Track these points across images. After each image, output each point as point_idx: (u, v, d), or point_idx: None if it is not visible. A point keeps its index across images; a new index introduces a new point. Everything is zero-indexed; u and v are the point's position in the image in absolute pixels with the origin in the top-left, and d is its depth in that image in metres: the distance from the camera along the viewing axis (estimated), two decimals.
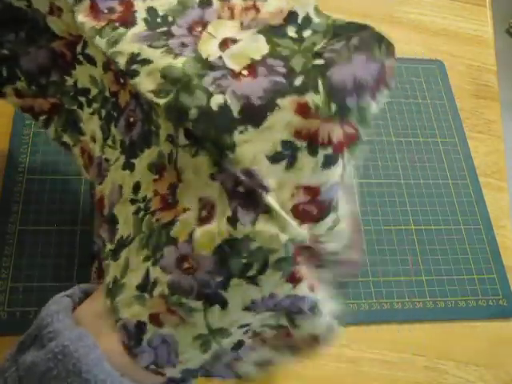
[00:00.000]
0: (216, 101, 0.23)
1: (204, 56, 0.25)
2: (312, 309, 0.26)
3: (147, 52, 0.25)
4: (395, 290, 0.45)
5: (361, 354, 0.42)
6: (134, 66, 0.25)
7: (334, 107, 0.23)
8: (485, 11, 0.66)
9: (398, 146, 0.52)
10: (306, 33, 0.25)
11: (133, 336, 0.25)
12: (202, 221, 0.24)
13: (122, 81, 0.29)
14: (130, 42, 0.26)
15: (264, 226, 0.23)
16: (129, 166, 0.29)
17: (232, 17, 0.27)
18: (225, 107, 0.23)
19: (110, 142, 0.30)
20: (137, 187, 0.28)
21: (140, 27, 0.26)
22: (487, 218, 0.50)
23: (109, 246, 0.28)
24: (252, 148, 0.23)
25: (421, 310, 0.44)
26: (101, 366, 0.24)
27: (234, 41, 0.26)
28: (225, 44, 0.25)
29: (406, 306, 0.44)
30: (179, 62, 0.25)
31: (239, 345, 0.27)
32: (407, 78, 0.57)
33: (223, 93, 0.23)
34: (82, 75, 0.31)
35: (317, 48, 0.25)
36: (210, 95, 0.23)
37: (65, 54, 0.31)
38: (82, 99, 0.32)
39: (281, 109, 0.23)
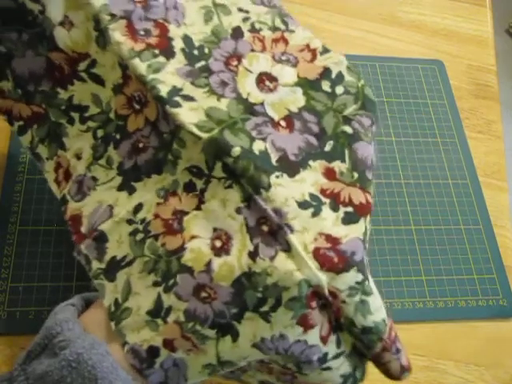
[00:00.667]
0: (258, 146, 0.26)
1: (244, 96, 0.28)
2: (321, 361, 0.26)
3: (190, 89, 0.28)
4: (395, 290, 0.45)
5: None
6: (177, 98, 0.27)
7: (356, 176, 0.27)
8: (485, 11, 0.66)
9: (398, 146, 0.52)
10: (339, 89, 0.29)
11: (144, 360, 0.26)
12: (218, 251, 0.25)
13: (137, 107, 0.29)
14: (172, 74, 0.28)
15: (282, 263, 0.24)
16: (127, 188, 0.29)
17: (263, 48, 0.30)
18: (265, 153, 0.26)
19: (102, 161, 0.30)
20: (137, 209, 0.28)
21: (180, 60, 0.28)
22: (487, 218, 0.50)
23: (97, 265, 0.28)
24: (285, 192, 0.25)
25: (421, 310, 0.44)
26: (116, 373, 0.24)
27: (270, 76, 0.29)
28: (261, 80, 0.29)
29: (405, 305, 0.44)
30: (223, 105, 0.27)
31: (245, 367, 0.28)
32: (407, 78, 0.57)
33: (264, 140, 0.26)
34: (82, 92, 0.31)
35: (348, 112, 0.29)
36: (252, 139, 0.26)
37: (63, 67, 0.30)
38: (75, 115, 0.31)
39: (312, 168, 0.27)
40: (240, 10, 0.31)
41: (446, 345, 0.44)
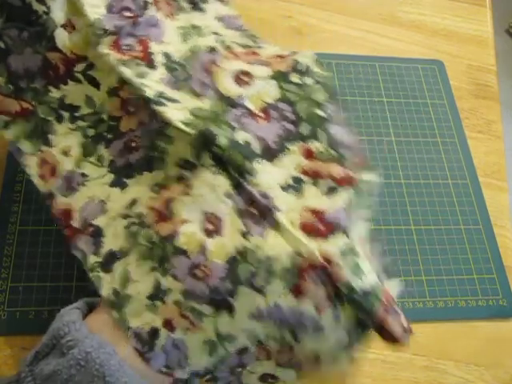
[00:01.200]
0: (240, 136, 0.28)
1: (224, 92, 0.30)
2: (316, 329, 0.27)
3: (174, 93, 0.30)
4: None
5: (361, 354, 0.42)
6: (162, 100, 0.29)
7: (333, 153, 0.29)
8: (485, 11, 0.66)
9: (398, 146, 0.52)
10: (309, 80, 0.31)
11: (146, 342, 0.27)
12: (210, 232, 0.27)
13: (131, 109, 0.31)
14: (156, 82, 0.30)
15: (273, 238, 0.26)
16: (120, 184, 0.30)
17: (237, 58, 0.33)
18: (248, 142, 0.28)
19: (93, 159, 0.31)
20: (132, 203, 0.29)
21: (161, 72, 0.31)
22: (487, 218, 0.50)
23: (94, 259, 0.29)
24: (269, 177, 0.28)
25: (421, 310, 0.44)
26: (123, 370, 0.25)
27: (245, 72, 0.31)
28: (237, 76, 0.31)
29: (405, 305, 0.44)
30: (206, 104, 0.30)
31: (244, 350, 0.28)
32: (407, 78, 0.57)
33: (245, 130, 0.29)
34: (76, 93, 0.32)
35: (319, 99, 0.31)
36: (235, 130, 0.28)
37: (58, 67, 0.31)
38: (65, 114, 0.32)
39: (292, 152, 0.29)
40: (214, 33, 0.34)
41: (446, 345, 0.44)
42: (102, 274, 0.29)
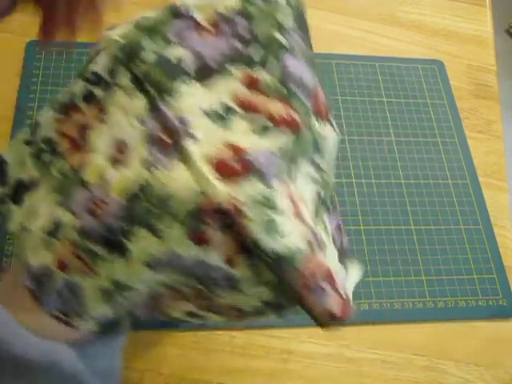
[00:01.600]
0: (175, 52, 0.24)
1: (172, 1, 0.26)
2: (232, 283, 0.24)
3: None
4: (395, 290, 0.45)
5: (361, 354, 0.42)
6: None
7: (283, 90, 0.24)
8: (485, 11, 0.66)
9: (398, 146, 0.52)
10: None
11: (38, 280, 0.24)
12: (115, 163, 0.23)
13: None
14: None
15: (179, 173, 0.22)
16: None
17: None
18: (181, 60, 0.24)
19: None
20: (35, 128, 0.26)
21: None
22: (487, 218, 0.50)
23: (1, 190, 0.27)
24: (192, 100, 0.23)
25: (421, 310, 0.44)
26: (20, 338, 0.24)
27: None
28: None
29: (405, 306, 0.44)
30: (153, 14, 0.25)
31: (157, 294, 0.26)
32: (407, 77, 0.57)
33: (183, 46, 0.24)
34: None
35: (285, 23, 0.26)
36: (170, 45, 0.24)
37: None
38: None
39: (231, 76, 0.24)
40: None
41: (446, 345, 0.44)
42: (12, 207, 0.26)
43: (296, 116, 0.24)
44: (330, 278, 0.24)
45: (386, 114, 0.54)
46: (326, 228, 0.26)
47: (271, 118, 0.24)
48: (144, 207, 0.22)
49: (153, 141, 0.23)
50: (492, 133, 0.56)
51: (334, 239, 0.27)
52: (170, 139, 0.23)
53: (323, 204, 0.26)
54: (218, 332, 0.41)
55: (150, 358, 0.39)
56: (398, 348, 0.43)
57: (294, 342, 0.42)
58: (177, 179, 0.22)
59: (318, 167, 0.26)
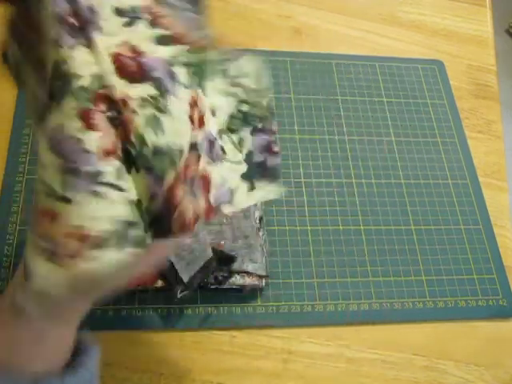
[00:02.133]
0: None
1: None
2: (90, 176, 0.23)
3: None
4: (395, 290, 0.45)
5: (361, 354, 0.42)
6: None
7: (188, 7, 0.27)
8: (485, 11, 0.66)
9: (398, 146, 0.52)
10: None
11: None
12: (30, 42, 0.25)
13: None
14: None
15: (80, 55, 0.24)
16: None
17: None
18: None
19: None
20: None
21: None
22: (487, 218, 0.50)
23: None
24: None
25: (421, 310, 0.44)
26: None
27: None
28: None
29: (405, 306, 0.44)
30: None
31: None
32: (407, 77, 0.57)
33: None
34: None
35: None
36: None
37: None
38: None
39: None
40: None
41: (446, 345, 0.44)
42: None
43: (193, 35, 0.26)
44: (205, 183, 0.25)
45: (385, 113, 0.54)
46: (240, 141, 0.28)
47: (171, 30, 0.26)
48: (54, 83, 0.24)
49: (60, 21, 0.25)
50: (492, 133, 0.56)
51: (250, 154, 0.27)
52: (77, 24, 0.25)
53: (244, 119, 0.28)
54: (218, 332, 0.41)
55: (150, 358, 0.39)
56: (398, 348, 0.43)
57: (294, 341, 0.42)
58: (80, 60, 0.24)
59: (236, 84, 0.27)
